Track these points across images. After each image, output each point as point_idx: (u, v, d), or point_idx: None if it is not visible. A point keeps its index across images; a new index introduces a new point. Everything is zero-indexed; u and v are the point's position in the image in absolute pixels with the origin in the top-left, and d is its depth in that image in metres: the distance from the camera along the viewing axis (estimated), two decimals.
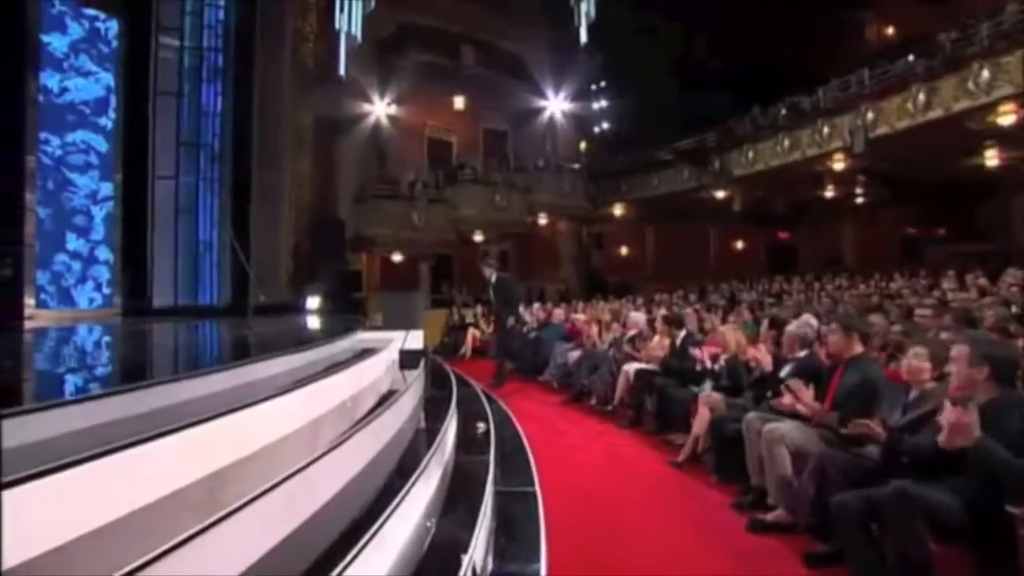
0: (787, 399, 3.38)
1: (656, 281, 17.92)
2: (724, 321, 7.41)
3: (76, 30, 9.91)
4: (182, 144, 10.91)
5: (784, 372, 4.12)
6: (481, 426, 4.94)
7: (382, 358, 4.56)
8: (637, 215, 18.83)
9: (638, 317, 7.48)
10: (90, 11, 10.10)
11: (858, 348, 3.24)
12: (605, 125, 17.97)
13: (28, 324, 8.95)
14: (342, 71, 12.38)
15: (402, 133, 15.92)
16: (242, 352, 4.00)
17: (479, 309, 13.08)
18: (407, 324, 5.56)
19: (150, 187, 10.46)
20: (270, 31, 11.67)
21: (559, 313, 10.23)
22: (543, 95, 17.13)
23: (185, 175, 10.95)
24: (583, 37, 13.97)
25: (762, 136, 13.79)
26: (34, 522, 1.44)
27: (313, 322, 9.20)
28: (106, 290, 10.05)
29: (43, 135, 9.44)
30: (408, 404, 3.89)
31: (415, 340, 5.50)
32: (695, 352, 5.32)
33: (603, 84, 17.74)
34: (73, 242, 9.72)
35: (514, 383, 9.15)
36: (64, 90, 9.81)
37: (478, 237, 15.75)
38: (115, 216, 10.15)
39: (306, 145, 12.53)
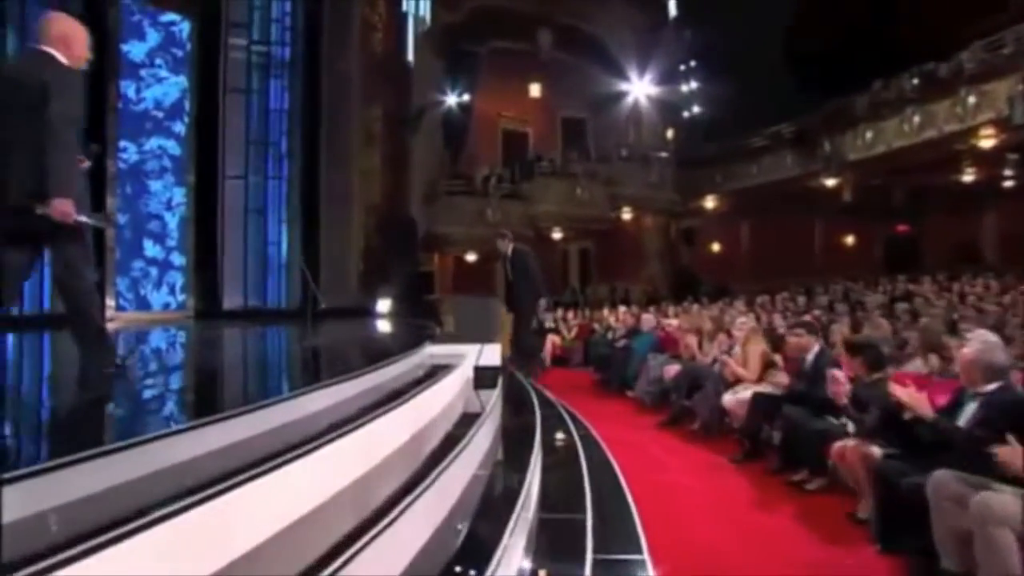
0: (1007, 452, 2.52)
1: (752, 280, 16.65)
2: (855, 333, 6.39)
3: (154, 36, 10.23)
4: (251, 143, 10.97)
5: (966, 414, 3.22)
6: (569, 461, 4.31)
7: (453, 380, 4.02)
8: (731, 208, 17.56)
9: (749, 324, 6.58)
10: (166, 17, 10.39)
11: None
12: (695, 109, 16.80)
13: (109, 326, 9.40)
14: (410, 58, 12.08)
15: (475, 125, 15.54)
16: (292, 376, 3.55)
17: (559, 313, 12.45)
18: (483, 335, 5.02)
19: (220, 188, 10.60)
20: (338, 21, 11.56)
21: (648, 319, 9.39)
22: (626, 78, 16.23)
23: (254, 175, 11.02)
24: (672, 11, 12.98)
25: (884, 113, 12.31)
26: None
27: (381, 329, 8.89)
28: (180, 295, 10.28)
29: (121, 143, 9.77)
30: (483, 442, 3.31)
31: (492, 354, 4.94)
32: (835, 375, 4.42)
33: (692, 64, 16.59)
34: (150, 249, 10.02)
35: (596, 397, 8.49)
36: (142, 98, 10.16)
37: (557, 234, 15.12)
38: (188, 219, 10.38)
39: (375, 140, 12.34)
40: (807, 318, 6.41)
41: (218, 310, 10.69)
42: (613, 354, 9.21)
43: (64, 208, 2.59)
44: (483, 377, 4.90)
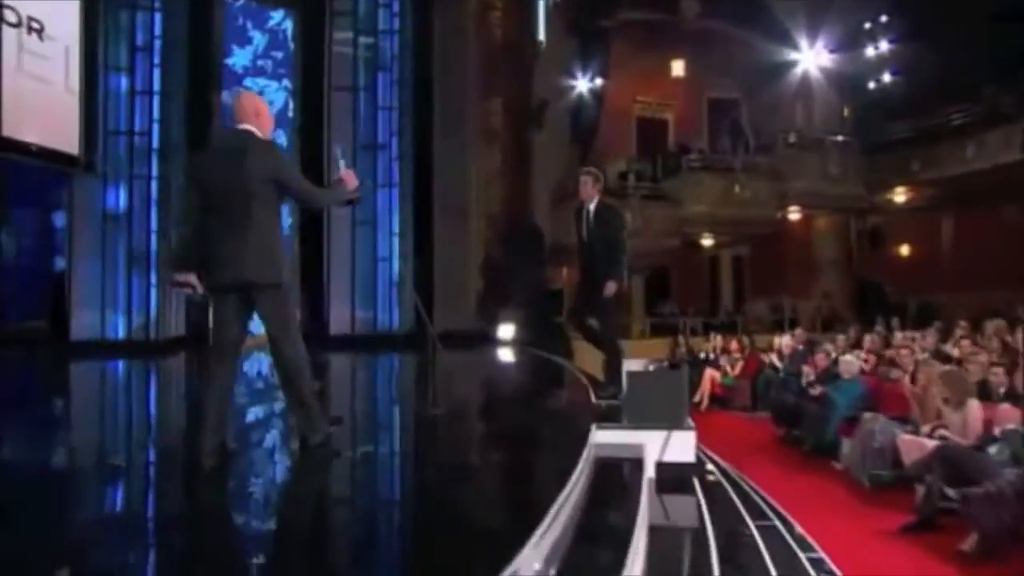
0: None
1: (957, 291, 14.19)
2: None
3: (258, 40, 10.17)
4: (359, 147, 10.57)
5: None
6: None
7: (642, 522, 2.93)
8: (930, 200, 15.06)
9: None
10: (271, 21, 10.27)
11: None
12: (885, 78, 14.39)
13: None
14: (541, 37, 11.12)
15: (606, 113, 14.34)
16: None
17: (717, 340, 10.95)
18: (667, 417, 3.89)
19: None
20: (451, 2, 10.88)
21: (850, 363, 7.68)
22: (793, 46, 14.29)
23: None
24: None
25: None
26: None
27: (514, 375, 7.99)
28: None
29: None
30: None
31: (683, 446, 3.80)
32: None
33: (883, 20, 14.16)
34: None
35: (786, 466, 7.03)
36: None
37: (707, 240, 13.57)
38: (291, 235, 10.18)
39: (495, 137, 11.54)
40: None
41: (324, 334, 10.39)
42: (804, 406, 7.69)
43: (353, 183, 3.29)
44: (671, 478, 3.77)
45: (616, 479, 3.55)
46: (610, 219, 5.21)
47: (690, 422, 3.86)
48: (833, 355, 8.81)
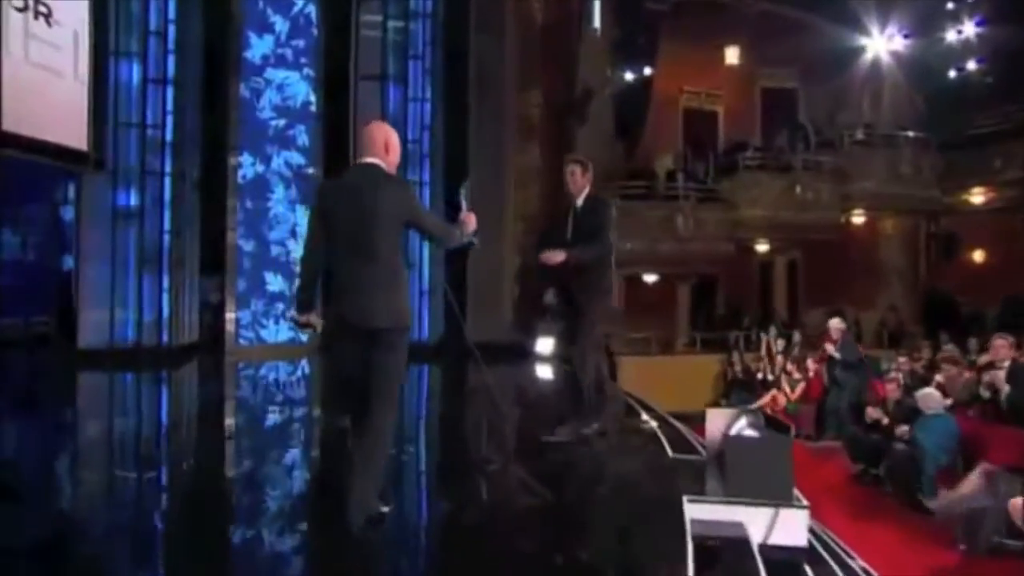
0: None
1: None
2: None
3: (280, 26, 9.93)
4: None
5: None
6: None
7: None
8: (1009, 201, 14.28)
9: None
10: (293, 7, 9.99)
11: None
12: (970, 65, 13.51)
13: (228, 359, 9.30)
14: (596, 24, 10.62)
15: (652, 105, 13.80)
16: None
17: (778, 356, 10.37)
18: (773, 491, 3.44)
19: None
20: None
21: (930, 395, 7.10)
22: (861, 30, 13.58)
23: None
24: None
25: None
26: None
27: (551, 393, 7.56)
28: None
29: (244, 157, 9.72)
30: None
31: (793, 526, 3.36)
32: None
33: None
34: (273, 281, 9.83)
35: (870, 515, 6.53)
36: (263, 107, 9.91)
37: (762, 246, 13.00)
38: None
39: (533, 132, 11.09)
40: None
41: None
42: (885, 446, 7.14)
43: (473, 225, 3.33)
44: (779, 564, 3.32)
45: (718, 565, 3.13)
46: (598, 210, 4.60)
47: (802, 499, 3.40)
48: (899, 378, 8.17)
